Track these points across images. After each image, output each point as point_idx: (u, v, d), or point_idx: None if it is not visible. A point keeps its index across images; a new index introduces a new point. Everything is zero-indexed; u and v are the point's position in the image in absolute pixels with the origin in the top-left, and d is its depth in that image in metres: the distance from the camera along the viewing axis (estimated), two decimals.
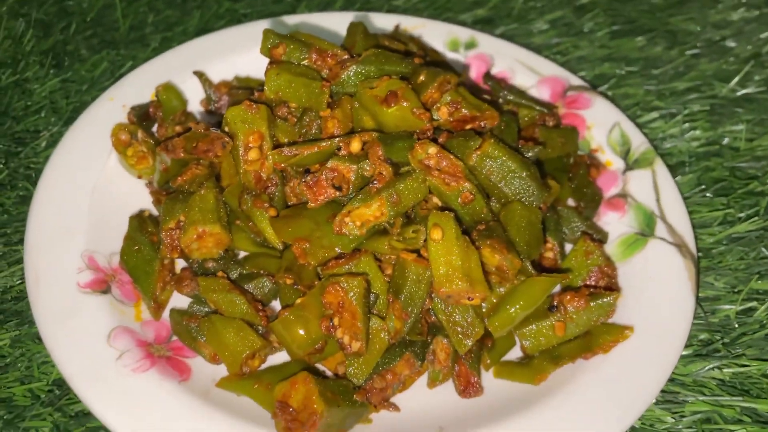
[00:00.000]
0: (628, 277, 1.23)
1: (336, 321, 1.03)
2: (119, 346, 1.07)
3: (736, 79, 1.69)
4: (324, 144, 1.11)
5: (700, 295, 1.28)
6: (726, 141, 1.56)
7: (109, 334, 1.08)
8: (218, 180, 1.23)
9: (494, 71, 1.60)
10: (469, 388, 1.09)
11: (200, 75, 1.48)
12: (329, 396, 0.99)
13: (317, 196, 1.10)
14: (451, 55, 1.62)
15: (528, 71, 1.59)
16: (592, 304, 1.10)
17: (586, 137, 1.48)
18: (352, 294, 1.03)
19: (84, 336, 1.06)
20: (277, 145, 1.15)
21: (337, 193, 1.10)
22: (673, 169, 1.49)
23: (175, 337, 1.14)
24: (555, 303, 1.11)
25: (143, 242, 1.18)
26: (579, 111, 1.51)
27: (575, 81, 1.57)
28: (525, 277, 1.09)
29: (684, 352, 1.19)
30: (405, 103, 1.13)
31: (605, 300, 1.10)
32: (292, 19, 1.64)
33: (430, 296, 1.07)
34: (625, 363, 1.10)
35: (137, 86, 1.43)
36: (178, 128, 1.34)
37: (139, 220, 1.21)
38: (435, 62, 1.37)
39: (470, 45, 1.64)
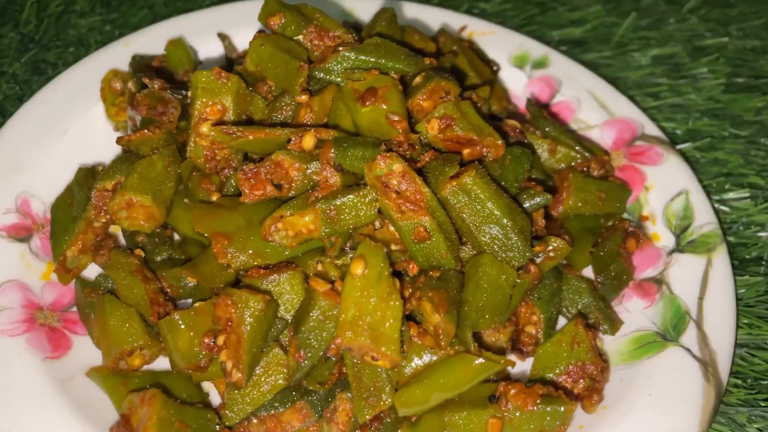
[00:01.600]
0: (622, 386, 0.95)
1: (221, 340, 0.86)
2: (3, 302, 0.96)
3: None
4: (274, 131, 0.94)
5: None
6: None
7: (0, 286, 0.98)
8: (181, 151, 1.09)
9: (557, 99, 1.34)
10: None
11: (224, 38, 1.36)
12: (175, 426, 0.81)
13: (252, 191, 0.93)
14: (512, 71, 1.38)
15: (597, 107, 1.31)
16: (539, 407, 0.83)
17: (639, 200, 1.19)
18: (246, 314, 0.85)
19: None
20: (219, 122, 0.99)
21: (276, 191, 0.93)
22: (743, 265, 1.16)
23: (74, 308, 1.02)
24: (497, 393, 0.86)
25: (80, 197, 1.07)
26: (642, 166, 1.22)
27: (651, 129, 1.27)
28: (462, 350, 0.85)
29: None
30: (383, 105, 0.93)
31: (558, 408, 0.83)
32: (348, 1, 1.47)
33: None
34: None
35: (158, 39, 1.34)
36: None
37: (88, 172, 1.11)
38: (461, 74, 1.14)
39: (540, 64, 1.39)
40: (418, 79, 0.98)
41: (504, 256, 0.90)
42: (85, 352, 0.97)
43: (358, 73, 0.97)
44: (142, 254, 1.02)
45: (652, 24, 1.64)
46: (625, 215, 1.17)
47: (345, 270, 0.89)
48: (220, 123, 1.00)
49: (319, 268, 0.90)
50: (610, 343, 1.02)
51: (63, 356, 0.95)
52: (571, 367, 0.92)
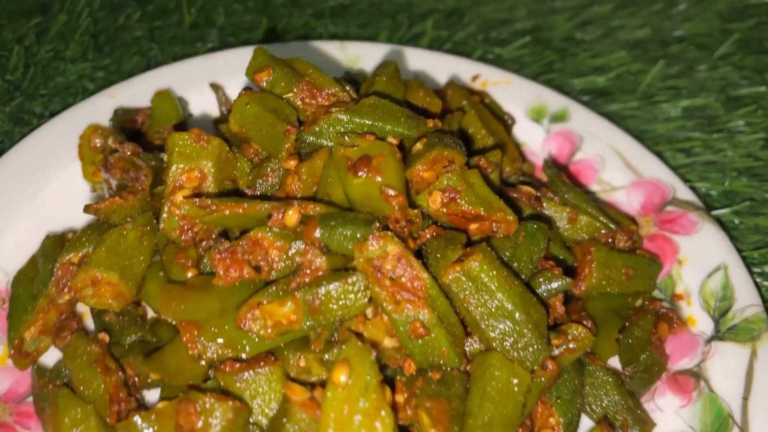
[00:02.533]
0: None
1: None
2: None
3: None
4: (253, 206, 0.83)
5: None
6: None
7: None
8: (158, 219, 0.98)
9: (578, 157, 1.22)
10: None
11: (216, 89, 1.26)
12: None
13: (227, 273, 0.81)
14: (529, 125, 1.26)
15: (623, 166, 1.19)
16: None
17: (672, 275, 1.06)
18: (213, 423, 0.73)
19: None
20: (195, 195, 0.88)
21: (254, 273, 0.81)
22: None
23: (30, 398, 0.90)
24: None
25: (44, 270, 0.96)
26: (674, 235, 1.09)
27: (684, 194, 1.14)
28: None
29: None
30: (377, 177, 0.81)
31: None
32: (353, 47, 1.37)
33: None
34: None
35: (146, 89, 1.24)
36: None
37: (56, 241, 1.00)
38: (470, 137, 1.03)
39: (559, 117, 1.27)
40: (418, 146, 0.86)
41: (517, 355, 0.77)
42: None
43: (352, 138, 0.86)
44: (107, 339, 0.90)
45: (682, 72, 1.52)
46: (656, 293, 1.04)
47: (331, 367, 0.77)
48: (196, 193, 0.89)
49: (302, 364, 0.77)
50: None
51: None
52: None
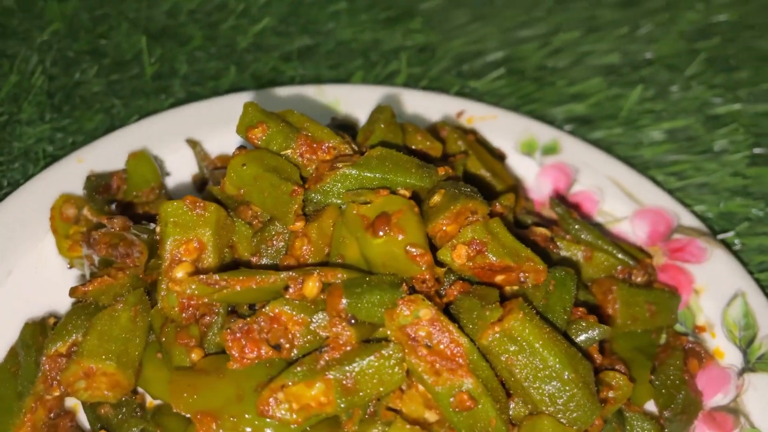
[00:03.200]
0: None
1: None
2: None
3: None
4: (266, 278, 0.75)
5: None
6: None
7: None
8: (151, 294, 0.90)
9: (576, 189, 1.19)
10: None
11: (194, 144, 1.19)
12: None
13: (244, 354, 0.74)
14: (521, 159, 1.23)
15: (623, 196, 1.17)
16: None
17: (690, 306, 1.03)
18: None
19: None
20: (197, 271, 0.80)
21: (274, 352, 0.74)
22: None
23: None
24: None
25: (27, 363, 0.87)
26: (686, 265, 1.06)
27: (688, 220, 1.12)
28: None
29: None
30: (400, 236, 0.76)
31: None
32: (332, 91, 1.32)
33: None
34: None
35: (117, 150, 1.16)
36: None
37: (38, 329, 0.91)
38: (477, 180, 0.99)
39: (550, 149, 1.25)
40: (437, 198, 0.81)
41: (569, 417, 0.72)
42: None
43: (364, 195, 0.80)
44: None
45: (657, 94, 1.52)
46: (678, 327, 1.01)
47: None
48: (199, 269, 0.82)
49: None
50: None
51: None
52: None
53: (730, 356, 0.96)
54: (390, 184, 0.83)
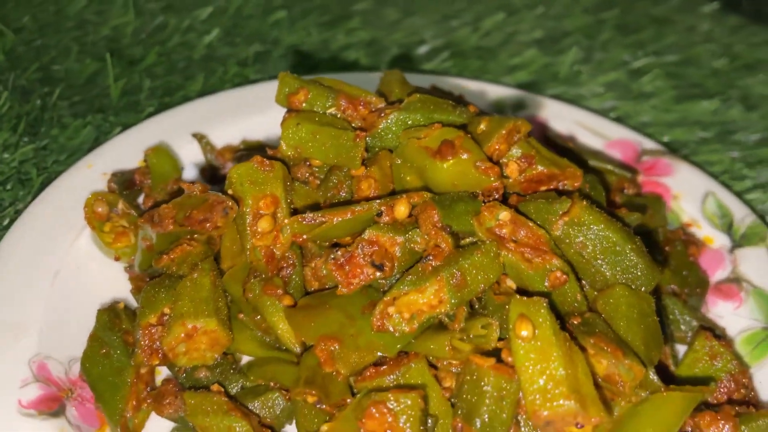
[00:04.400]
0: (766, 387, 0.91)
1: None
2: None
3: None
4: (359, 208, 0.83)
5: None
6: None
7: None
8: (217, 262, 0.93)
9: (550, 134, 1.34)
10: None
11: (200, 138, 1.23)
12: None
13: (351, 278, 0.81)
14: None
15: (591, 135, 1.33)
16: (744, 429, 0.77)
17: (673, 209, 1.20)
18: (405, 419, 0.72)
19: None
20: (295, 211, 0.86)
21: (378, 273, 0.81)
22: None
23: None
24: (689, 429, 0.78)
25: (114, 344, 0.87)
26: (660, 178, 1.24)
27: (649, 144, 1.31)
28: (647, 392, 0.77)
29: None
30: (465, 155, 0.86)
31: (764, 422, 0.78)
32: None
33: (516, 422, 0.75)
34: None
35: (123, 152, 1.17)
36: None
37: (111, 314, 0.91)
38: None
39: (518, 107, 1.39)
40: (482, 126, 0.92)
41: (636, 283, 0.85)
42: None
43: (421, 131, 0.89)
44: (221, 389, 0.84)
45: (584, 58, 1.73)
46: (670, 227, 1.17)
47: (480, 342, 0.79)
48: (276, 222, 0.87)
49: (461, 345, 0.78)
50: None
51: None
52: (722, 383, 0.87)
53: (719, 241, 1.13)
54: (435, 121, 0.93)
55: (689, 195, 1.20)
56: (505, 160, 0.90)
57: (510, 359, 0.74)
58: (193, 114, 1.27)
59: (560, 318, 0.79)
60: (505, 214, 0.82)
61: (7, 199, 1.24)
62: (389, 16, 1.89)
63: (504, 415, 0.73)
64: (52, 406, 0.83)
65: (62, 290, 0.97)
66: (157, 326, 0.85)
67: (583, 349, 0.76)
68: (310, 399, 0.78)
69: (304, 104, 0.96)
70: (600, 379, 0.77)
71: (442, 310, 0.79)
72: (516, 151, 0.90)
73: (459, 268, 0.78)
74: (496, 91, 1.42)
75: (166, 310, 0.86)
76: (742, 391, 0.87)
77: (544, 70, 1.67)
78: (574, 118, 1.36)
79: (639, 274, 0.85)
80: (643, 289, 0.85)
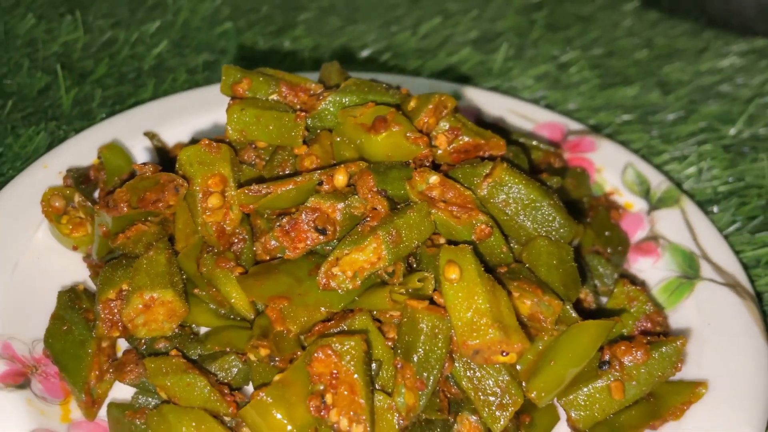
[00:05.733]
0: (681, 327, 1.01)
1: (329, 399, 0.78)
2: None
3: (743, 118, 1.56)
4: (301, 179, 0.90)
5: None
6: (748, 179, 1.39)
7: None
8: (172, 243, 0.99)
9: (484, 119, 1.44)
10: None
11: (152, 136, 1.29)
12: None
13: (297, 243, 0.88)
14: None
15: (521, 119, 1.43)
16: (654, 354, 0.86)
17: (597, 181, 1.30)
18: (348, 359, 0.79)
19: None
20: (241, 184, 0.93)
21: (321, 237, 0.88)
22: (702, 208, 1.31)
23: None
24: (606, 358, 0.87)
25: (75, 321, 0.92)
26: (584, 154, 1.34)
27: (574, 126, 1.41)
28: (566, 325, 0.85)
29: None
30: (396, 128, 0.94)
31: (670, 347, 0.87)
32: None
33: (450, 357, 0.82)
34: (703, 429, 0.85)
35: (78, 152, 1.23)
36: None
37: (72, 294, 0.96)
38: None
39: (455, 97, 1.49)
40: (412, 103, 1.01)
41: (556, 235, 0.94)
42: None
43: (356, 110, 0.98)
44: (180, 353, 0.89)
45: (516, 54, 1.84)
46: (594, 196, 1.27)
47: (417, 294, 0.86)
48: (224, 199, 0.94)
49: (400, 297, 0.85)
50: None
51: None
52: (639, 322, 0.96)
53: (638, 205, 1.24)
54: (368, 101, 1.01)
55: (610, 167, 1.31)
56: (434, 134, 0.99)
57: (441, 301, 0.81)
58: (144, 115, 1.33)
59: (490, 269, 0.87)
60: (435, 178, 0.90)
61: None
62: (331, 24, 1.98)
63: (438, 350, 0.81)
64: (17, 380, 0.87)
65: (23, 279, 1.01)
66: (116, 301, 0.91)
67: (509, 292, 0.84)
68: (263, 351, 0.84)
69: (247, 92, 1.03)
70: (525, 318, 0.85)
71: (381, 266, 0.86)
72: (444, 125, 0.99)
73: (394, 227, 0.86)
74: (433, 86, 1.51)
75: (124, 287, 0.92)
76: (657, 328, 0.97)
77: (478, 66, 1.78)
78: (505, 105, 1.46)
79: (557, 226, 0.94)
80: (562, 240, 0.94)
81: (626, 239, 1.17)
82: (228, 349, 0.92)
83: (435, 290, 0.85)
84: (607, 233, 1.15)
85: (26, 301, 0.98)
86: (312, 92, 1.05)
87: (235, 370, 0.90)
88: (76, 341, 0.90)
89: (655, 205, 1.22)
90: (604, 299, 1.07)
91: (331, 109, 1.00)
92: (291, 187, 0.90)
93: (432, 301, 0.83)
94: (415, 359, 0.80)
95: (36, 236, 1.08)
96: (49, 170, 1.19)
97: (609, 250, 1.13)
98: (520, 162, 1.05)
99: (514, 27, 1.98)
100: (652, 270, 1.13)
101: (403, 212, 0.88)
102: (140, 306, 0.88)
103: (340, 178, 0.90)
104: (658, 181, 1.26)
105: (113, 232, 0.99)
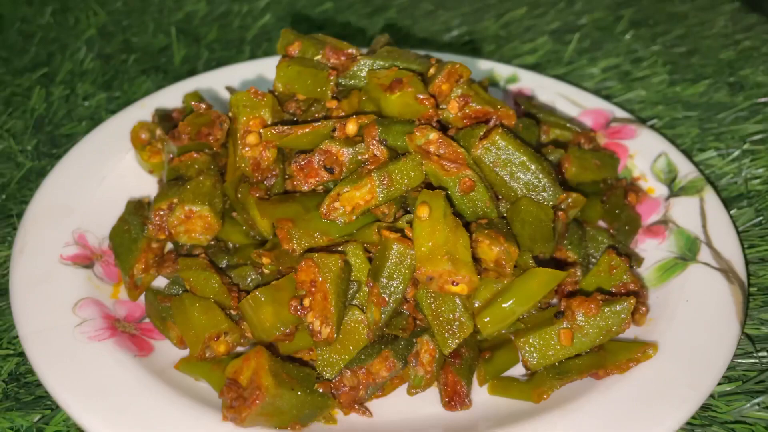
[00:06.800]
0: (661, 301, 1.06)
1: (307, 302, 0.93)
2: (83, 315, 1.01)
3: None
4: (318, 125, 1.06)
5: (756, 333, 1.08)
6: None
7: (77, 303, 1.02)
8: (223, 176, 1.19)
9: (534, 102, 1.52)
10: (454, 398, 0.93)
11: (231, 90, 1.49)
12: (283, 377, 0.87)
13: (307, 178, 1.04)
14: (489, 89, 1.56)
15: (570, 104, 1.50)
16: (604, 310, 0.94)
17: (628, 166, 1.35)
18: (326, 272, 0.94)
19: (50, 301, 1.01)
20: (266, 125, 1.11)
21: (329, 175, 1.03)
22: (728, 203, 1.32)
23: (147, 320, 1.07)
24: (562, 309, 0.95)
25: (134, 223, 1.14)
26: (622, 141, 1.39)
27: (621, 114, 1.46)
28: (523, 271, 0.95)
29: (727, 388, 0.99)
30: (409, 89, 1.07)
31: (620, 305, 0.94)
32: None
33: (414, 284, 0.95)
34: (644, 386, 0.91)
35: (170, 98, 1.46)
36: None
37: (137, 204, 1.19)
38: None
39: (511, 80, 1.58)
40: (432, 71, 1.13)
41: (539, 197, 1.03)
42: (167, 352, 1.01)
43: (381, 72, 1.12)
44: (207, 257, 1.09)
45: (593, 46, 1.88)
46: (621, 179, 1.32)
47: (393, 227, 0.99)
48: (261, 137, 1.11)
49: (375, 234, 0.98)
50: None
51: (150, 355, 0.99)
52: (613, 289, 1.03)
53: (659, 191, 1.28)
54: (397, 67, 1.15)
55: (643, 154, 1.35)
56: (447, 99, 1.11)
57: (411, 234, 0.94)
58: (228, 74, 1.55)
59: (460, 216, 0.98)
60: (433, 135, 1.02)
61: (80, 132, 1.56)
62: (424, 8, 2.12)
63: (401, 274, 0.93)
64: (84, 261, 1.11)
65: (106, 190, 1.25)
66: (166, 211, 1.11)
67: (475, 240, 0.95)
68: (265, 260, 1.01)
69: (297, 53, 1.21)
70: (492, 262, 0.95)
71: (374, 204, 1.00)
72: (457, 91, 1.10)
73: (387, 171, 1.00)
74: (494, 67, 1.61)
75: (175, 201, 1.12)
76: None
77: (550, 54, 1.85)
78: (557, 90, 1.53)
79: (541, 189, 1.03)
80: (547, 202, 1.03)
81: (636, 220, 1.22)
82: (248, 262, 1.09)
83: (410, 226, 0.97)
84: (617, 211, 1.21)
85: (105, 206, 1.21)
86: (354, 55, 1.20)
87: (249, 279, 1.07)
88: (131, 238, 1.12)
89: (676, 192, 1.26)
90: None
91: (363, 71, 1.14)
92: (308, 130, 1.06)
93: (404, 234, 0.96)
94: (382, 281, 0.94)
95: (125, 159, 1.32)
96: (146, 109, 1.43)
97: (616, 226, 1.19)
98: (529, 134, 1.14)
99: (598, 20, 2.02)
100: (656, 250, 1.17)
101: (397, 160, 1.01)
102: (182, 216, 1.08)
103: (351, 127, 1.04)
104: (686, 171, 1.29)
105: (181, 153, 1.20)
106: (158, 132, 1.32)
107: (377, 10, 2.10)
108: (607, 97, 1.66)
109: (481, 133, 1.04)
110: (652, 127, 1.50)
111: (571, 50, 1.83)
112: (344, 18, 2.05)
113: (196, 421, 0.87)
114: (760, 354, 1.04)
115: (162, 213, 1.11)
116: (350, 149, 1.04)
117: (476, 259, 0.99)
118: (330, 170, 1.03)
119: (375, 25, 2.01)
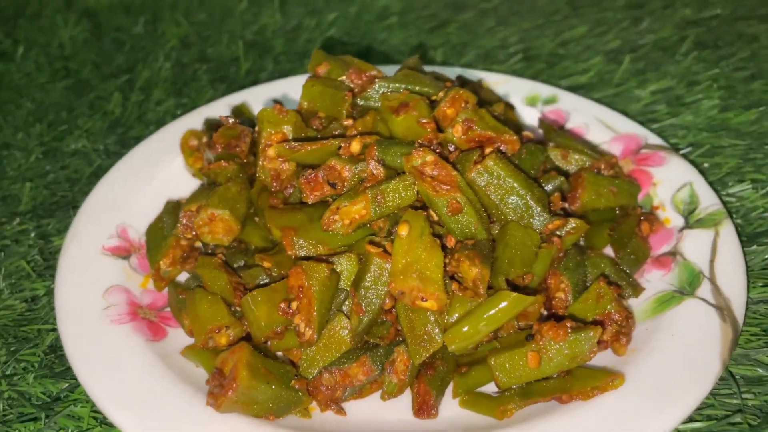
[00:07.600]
0: (648, 333, 1.07)
1: (294, 305, 1.02)
2: (111, 300, 1.15)
3: None
4: (326, 142, 1.15)
5: (750, 375, 1.06)
6: None
7: (107, 289, 1.17)
8: (252, 184, 1.30)
9: (568, 126, 1.53)
10: (423, 407, 0.99)
11: (278, 103, 1.61)
12: (261, 371, 0.96)
13: (313, 191, 1.12)
14: (525, 109, 1.59)
15: (604, 128, 1.50)
16: (571, 337, 0.96)
17: (649, 194, 1.34)
18: (313, 280, 1.02)
19: (86, 286, 1.16)
20: (282, 140, 1.20)
21: (331, 189, 1.12)
22: (753, 239, 1.29)
23: (167, 309, 1.20)
24: (533, 332, 0.99)
25: (168, 222, 1.28)
26: (647, 168, 1.38)
27: (654, 140, 1.45)
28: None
29: (698, 425, 0.98)
30: (414, 113, 1.14)
31: (586, 334, 0.96)
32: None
33: (394, 297, 1.02)
34: (607, 415, 0.93)
35: (223, 108, 1.60)
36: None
37: (174, 204, 1.32)
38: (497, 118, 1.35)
39: (550, 101, 1.60)
40: (440, 94, 1.19)
41: (526, 221, 1.06)
42: (178, 339, 1.13)
43: (393, 95, 1.19)
44: (223, 258, 1.20)
45: (648, 66, 1.85)
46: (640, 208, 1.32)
47: (376, 243, 1.06)
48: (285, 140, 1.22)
49: (367, 246, 1.06)
50: (634, 307, 1.14)
51: (162, 340, 1.12)
52: (597, 317, 1.05)
53: (675, 222, 1.26)
54: (410, 90, 1.21)
55: (668, 183, 1.33)
56: (453, 123, 1.16)
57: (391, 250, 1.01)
58: (278, 88, 1.67)
59: (439, 236, 1.03)
60: (430, 157, 1.08)
61: (147, 135, 1.73)
62: (485, 25, 2.16)
63: (379, 286, 1.00)
64: (122, 252, 1.25)
65: (152, 190, 1.40)
66: (194, 212, 1.24)
67: (457, 259, 1.00)
68: (266, 264, 1.11)
69: (324, 72, 1.30)
70: (469, 282, 1.00)
71: (367, 219, 1.08)
72: (462, 116, 1.16)
73: (381, 190, 1.07)
74: (535, 87, 1.63)
75: (202, 204, 1.25)
76: (615, 327, 1.04)
77: (602, 75, 1.83)
78: (593, 113, 1.54)
79: (530, 215, 1.06)
80: (533, 227, 1.06)
81: (645, 250, 1.22)
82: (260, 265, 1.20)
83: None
84: (626, 241, 1.21)
85: (149, 205, 1.36)
86: (371, 78, 1.28)
87: (258, 279, 1.18)
88: (162, 235, 1.25)
89: (691, 224, 1.24)
90: None
91: (375, 93, 1.22)
92: (317, 147, 1.15)
93: (386, 250, 1.03)
94: (361, 291, 1.01)
95: (174, 163, 1.47)
96: (201, 117, 1.58)
97: (620, 254, 1.20)
98: (531, 160, 1.17)
99: (661, 40, 1.98)
100: (659, 281, 1.17)
101: (391, 179, 1.08)
102: (207, 218, 1.21)
103: (355, 146, 1.12)
104: (708, 203, 1.27)
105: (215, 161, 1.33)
106: (204, 140, 1.46)
107: (439, 25, 2.16)
108: (651, 122, 1.64)
109: (475, 157, 1.09)
110: (686, 155, 1.47)
111: (622, 71, 1.81)
112: (405, 34, 2.12)
113: (188, 405, 0.98)
114: (744, 396, 1.02)
115: (190, 214, 1.24)
116: (353, 167, 1.12)
117: (459, 278, 1.04)
118: (333, 185, 1.12)
119: (434, 40, 2.08)
